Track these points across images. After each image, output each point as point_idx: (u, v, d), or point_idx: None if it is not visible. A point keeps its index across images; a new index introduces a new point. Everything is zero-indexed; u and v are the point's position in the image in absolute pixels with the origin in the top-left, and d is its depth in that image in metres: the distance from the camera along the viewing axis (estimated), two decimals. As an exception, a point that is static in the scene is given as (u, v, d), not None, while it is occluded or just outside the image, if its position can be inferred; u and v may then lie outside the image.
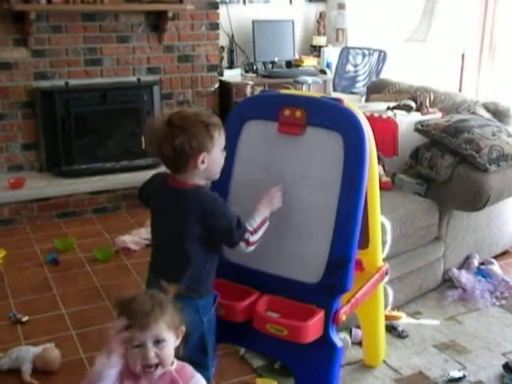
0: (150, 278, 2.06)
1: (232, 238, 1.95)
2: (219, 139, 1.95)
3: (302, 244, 2.08)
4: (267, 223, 2.03)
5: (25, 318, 2.98)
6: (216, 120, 1.96)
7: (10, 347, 2.68)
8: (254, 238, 1.99)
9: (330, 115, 2.07)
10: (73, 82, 4.58)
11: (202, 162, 1.92)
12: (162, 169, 2.08)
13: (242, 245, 1.98)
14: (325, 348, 2.03)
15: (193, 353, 1.88)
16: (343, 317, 2.05)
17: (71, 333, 2.89)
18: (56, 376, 2.57)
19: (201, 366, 1.85)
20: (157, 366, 1.62)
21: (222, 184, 2.16)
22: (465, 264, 3.40)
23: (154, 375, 1.63)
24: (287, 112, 2.11)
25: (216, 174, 2.02)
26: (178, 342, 1.69)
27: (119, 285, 3.36)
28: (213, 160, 1.95)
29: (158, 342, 1.61)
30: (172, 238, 1.96)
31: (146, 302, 1.64)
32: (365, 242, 2.29)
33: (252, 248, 2.00)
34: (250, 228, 1.98)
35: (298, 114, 2.09)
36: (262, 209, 2.03)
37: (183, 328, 1.69)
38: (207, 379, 1.82)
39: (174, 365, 1.68)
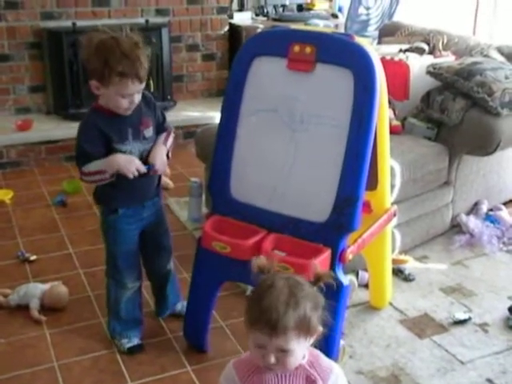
0: None
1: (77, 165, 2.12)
2: (118, 86, 1.99)
3: (309, 183, 2.05)
4: (104, 176, 2.08)
5: (33, 257, 3.00)
6: (127, 68, 1.96)
7: (19, 285, 2.70)
8: (86, 178, 2.12)
9: (340, 51, 2.01)
10: (80, 23, 4.49)
11: (97, 88, 2.02)
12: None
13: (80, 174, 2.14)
14: (331, 286, 2.02)
15: None
16: (350, 256, 2.04)
17: (79, 272, 2.91)
18: (64, 313, 2.60)
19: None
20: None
21: (229, 121, 2.13)
22: (473, 210, 3.38)
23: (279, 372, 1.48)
24: (297, 48, 2.05)
25: (115, 109, 2.06)
26: (311, 341, 1.47)
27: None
28: (107, 96, 2.04)
29: (282, 350, 1.41)
30: None
31: (280, 301, 1.39)
32: (373, 184, 2.27)
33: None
34: (84, 169, 2.09)
35: (308, 50, 2.03)
36: (104, 162, 2.07)
37: (320, 329, 1.46)
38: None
39: (305, 357, 1.50)
